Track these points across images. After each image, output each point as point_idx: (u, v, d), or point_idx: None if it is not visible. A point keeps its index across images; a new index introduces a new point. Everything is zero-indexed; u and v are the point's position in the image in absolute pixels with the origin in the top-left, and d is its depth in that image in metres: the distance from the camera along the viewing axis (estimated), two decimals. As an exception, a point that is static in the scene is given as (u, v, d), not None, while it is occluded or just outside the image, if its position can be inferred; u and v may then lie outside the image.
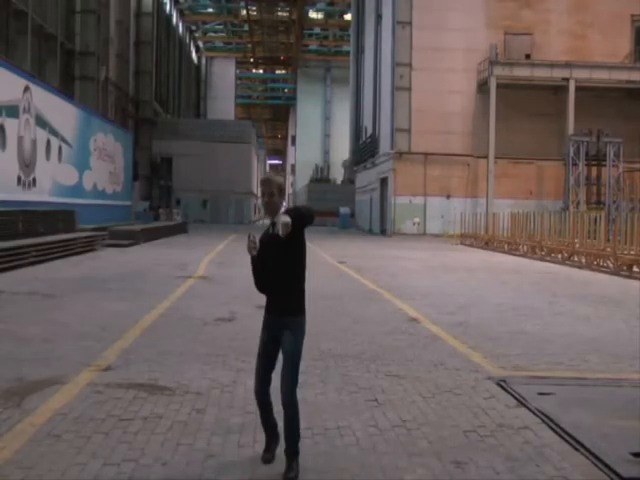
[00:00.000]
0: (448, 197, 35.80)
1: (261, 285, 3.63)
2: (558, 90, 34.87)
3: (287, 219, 3.22)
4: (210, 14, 69.02)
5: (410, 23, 36.29)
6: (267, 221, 3.50)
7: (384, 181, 38.52)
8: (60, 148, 26.74)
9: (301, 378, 3.54)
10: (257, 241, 3.46)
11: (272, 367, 3.55)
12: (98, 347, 6.21)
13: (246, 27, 70.33)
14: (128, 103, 45.04)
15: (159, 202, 48.52)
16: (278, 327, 3.50)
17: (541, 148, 35.51)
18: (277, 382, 3.45)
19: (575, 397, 4.85)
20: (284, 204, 3.45)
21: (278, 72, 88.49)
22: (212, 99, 78.45)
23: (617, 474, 3.45)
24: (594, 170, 32.50)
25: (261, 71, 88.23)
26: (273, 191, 3.50)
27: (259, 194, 3.58)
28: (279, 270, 3.50)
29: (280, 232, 3.25)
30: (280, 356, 3.53)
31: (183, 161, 50.50)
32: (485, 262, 18.87)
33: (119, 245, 21.19)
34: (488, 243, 25.84)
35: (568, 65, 33.84)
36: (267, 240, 3.52)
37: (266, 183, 3.55)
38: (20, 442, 3.72)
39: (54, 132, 25.88)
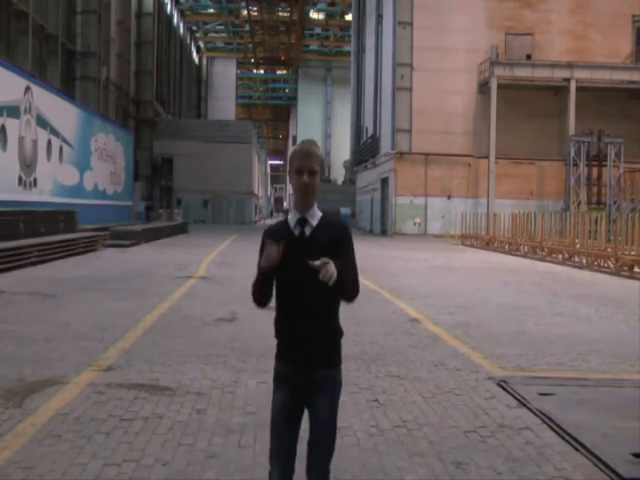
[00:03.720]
0: (449, 197, 35.80)
1: (266, 301, 2.45)
2: (559, 90, 34.88)
3: (332, 272, 2.19)
4: (211, 14, 69.08)
5: (411, 23, 36.31)
6: (272, 220, 2.27)
7: (385, 181, 38.53)
8: (61, 148, 26.76)
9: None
10: (280, 247, 2.28)
11: (296, 445, 2.45)
12: (99, 347, 6.22)
13: (247, 27, 70.43)
14: (129, 103, 45.08)
15: (153, 202, 48.34)
16: (306, 386, 2.40)
17: (542, 148, 35.53)
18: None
19: (576, 398, 4.84)
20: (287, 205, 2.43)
21: (279, 72, 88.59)
22: (213, 99, 78.51)
23: (618, 474, 3.45)
24: (595, 170, 32.50)
25: (262, 71, 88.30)
26: (315, 168, 2.40)
27: (290, 172, 2.45)
28: (309, 295, 2.34)
29: (315, 264, 2.20)
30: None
31: (184, 161, 50.52)
32: (486, 262, 18.86)
33: (120, 245, 21.20)
34: (489, 243, 25.83)
35: (569, 65, 33.84)
36: (290, 245, 2.34)
37: (305, 156, 2.40)
38: (21, 442, 3.72)
39: (55, 132, 25.90)
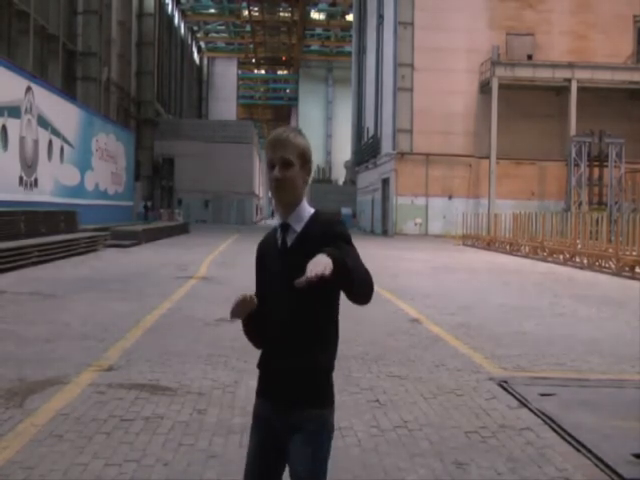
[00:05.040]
0: (450, 198, 35.79)
1: (261, 339, 2.03)
2: (560, 91, 34.87)
3: (325, 262, 1.69)
4: (212, 14, 69.11)
5: (412, 23, 36.32)
6: (273, 220, 1.88)
7: (386, 181, 38.52)
8: (62, 148, 26.77)
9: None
10: (252, 299, 1.90)
11: None
12: (100, 347, 6.22)
13: (248, 27, 70.45)
14: (130, 103, 45.10)
15: (154, 202, 48.29)
16: (282, 428, 1.93)
17: (543, 149, 35.51)
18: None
19: (577, 398, 4.84)
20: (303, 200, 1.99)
21: (280, 72, 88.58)
22: (214, 99, 78.53)
23: (619, 475, 3.45)
24: (596, 171, 32.49)
25: (263, 71, 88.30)
26: (288, 158, 1.91)
27: (268, 167, 1.94)
28: (289, 320, 1.91)
29: (304, 278, 1.68)
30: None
31: (185, 161, 50.54)
32: (487, 263, 18.86)
33: (121, 245, 21.20)
34: (490, 244, 25.82)
35: (570, 66, 33.83)
36: (271, 256, 1.99)
37: (275, 145, 1.92)
38: (22, 442, 3.72)
39: (56, 132, 25.91)
